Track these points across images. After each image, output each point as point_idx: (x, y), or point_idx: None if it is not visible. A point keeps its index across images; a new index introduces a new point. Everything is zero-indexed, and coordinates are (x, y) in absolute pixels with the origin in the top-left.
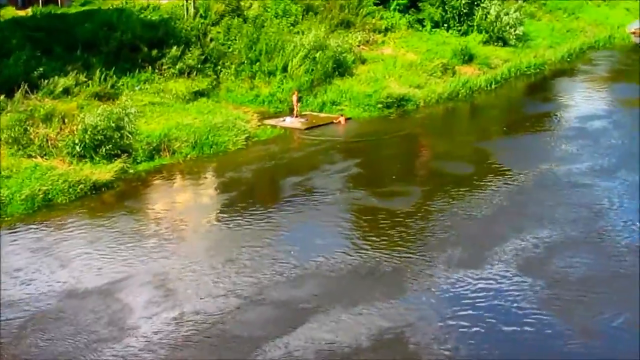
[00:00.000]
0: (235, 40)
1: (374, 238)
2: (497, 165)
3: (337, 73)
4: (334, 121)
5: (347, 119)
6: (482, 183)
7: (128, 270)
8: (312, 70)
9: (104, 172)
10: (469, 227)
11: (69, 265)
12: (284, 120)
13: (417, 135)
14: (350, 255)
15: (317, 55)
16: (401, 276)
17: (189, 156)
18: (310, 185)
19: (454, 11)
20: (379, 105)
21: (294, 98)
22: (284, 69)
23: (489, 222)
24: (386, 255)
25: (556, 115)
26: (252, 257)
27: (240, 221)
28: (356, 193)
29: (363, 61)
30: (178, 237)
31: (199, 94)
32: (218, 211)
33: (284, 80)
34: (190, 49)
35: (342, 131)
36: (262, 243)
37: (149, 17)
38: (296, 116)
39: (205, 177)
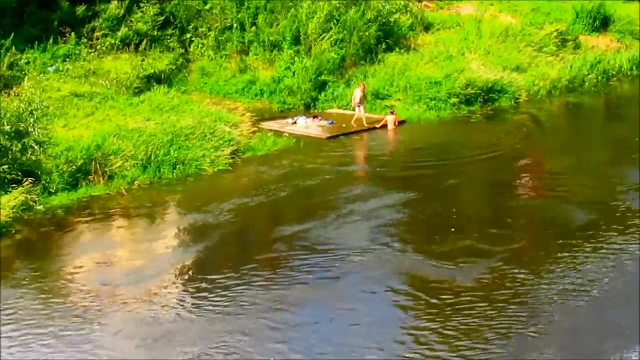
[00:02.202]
0: None
1: (414, 332)
2: (636, 208)
3: (384, 46)
4: (376, 125)
5: (398, 122)
6: (606, 239)
7: None
8: (343, 41)
9: None
10: (573, 316)
11: None
12: (295, 123)
13: (513, 152)
14: None
15: (350, 16)
16: None
17: (136, 182)
18: (323, 238)
19: None
20: (453, 100)
21: (357, 93)
22: (296, 38)
23: (606, 308)
24: None
25: None
26: None
27: (202, 299)
28: (395, 253)
29: (427, 27)
30: (98, 325)
31: (154, 80)
32: (170, 281)
33: (297, 57)
34: (141, 4)
35: (390, 142)
36: (230, 339)
37: None
38: (366, 126)
39: (161, 220)
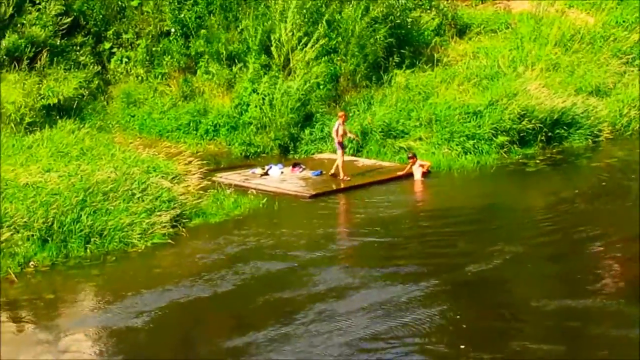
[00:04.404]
0: None
1: None
2: None
3: (397, 59)
4: (396, 174)
5: (425, 172)
6: None
7: None
8: (336, 52)
9: None
10: None
11: None
12: (266, 175)
13: (588, 220)
14: None
15: (347, 14)
16: None
17: (32, 264)
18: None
19: None
20: (501, 139)
21: (337, 126)
22: (266, 49)
23: None
24: None
25: None
26: None
27: None
28: None
29: (461, 30)
30: None
31: (58, 111)
32: None
33: (267, 76)
34: (38, 0)
35: (404, 204)
36: None
37: None
38: (343, 176)
39: (67, 320)
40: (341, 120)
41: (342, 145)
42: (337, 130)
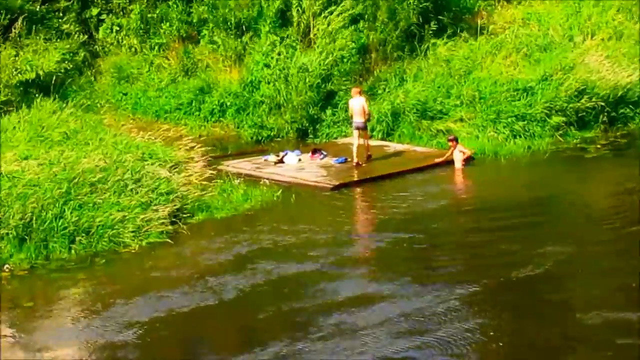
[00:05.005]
0: None
1: None
2: None
3: (434, 27)
4: (433, 161)
5: (467, 158)
6: None
7: None
8: (364, 20)
9: None
10: None
11: None
12: (281, 163)
13: None
14: None
15: None
16: None
17: (7, 267)
18: None
19: None
20: (556, 119)
21: (359, 102)
22: (282, 16)
23: None
24: None
25: None
26: None
27: None
28: None
29: None
30: None
31: (38, 88)
32: None
33: (283, 48)
34: None
35: (441, 196)
36: None
37: None
38: (363, 158)
39: (45, 332)
40: (359, 92)
41: (365, 126)
42: (364, 104)
